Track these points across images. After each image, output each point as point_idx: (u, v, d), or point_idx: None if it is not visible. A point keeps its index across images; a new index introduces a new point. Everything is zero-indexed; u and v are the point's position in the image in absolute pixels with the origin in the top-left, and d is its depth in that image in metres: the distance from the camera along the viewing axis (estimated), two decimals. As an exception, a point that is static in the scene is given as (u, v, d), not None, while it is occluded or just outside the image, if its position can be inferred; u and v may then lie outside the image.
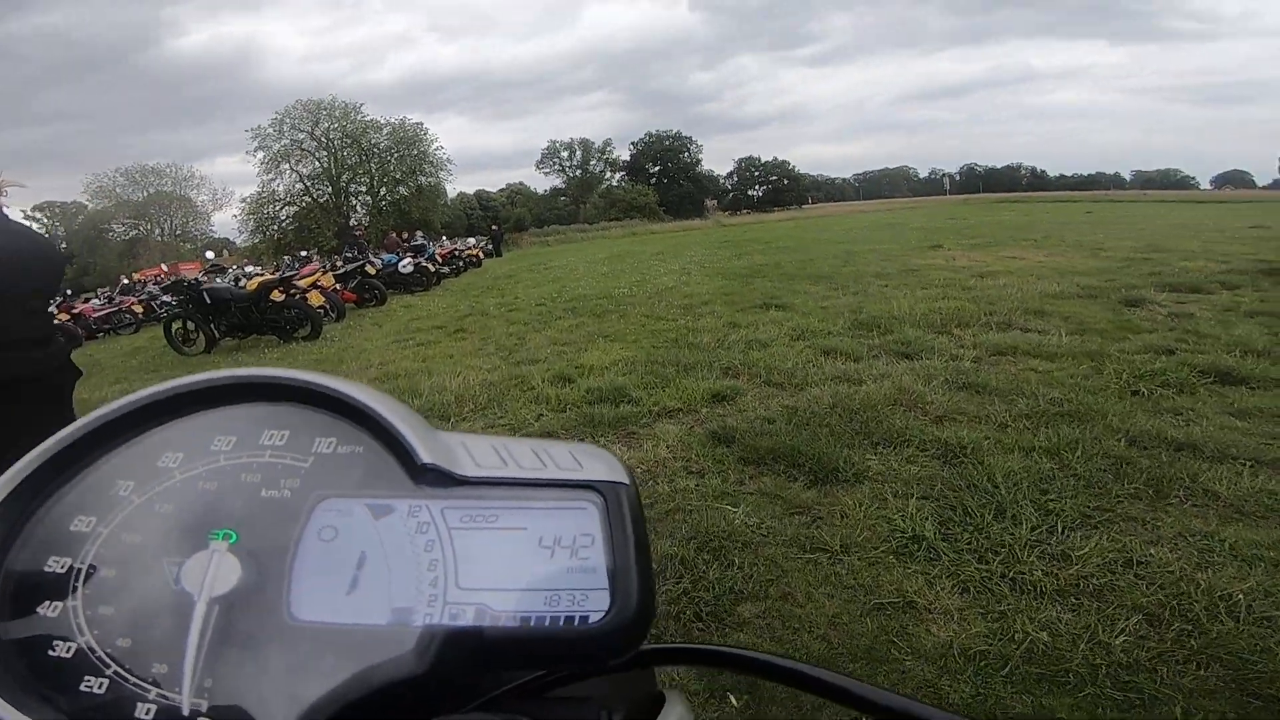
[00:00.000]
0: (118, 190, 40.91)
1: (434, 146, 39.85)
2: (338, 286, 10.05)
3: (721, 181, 73.95)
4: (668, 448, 2.91)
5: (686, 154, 66.04)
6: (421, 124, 40.10)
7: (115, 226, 41.11)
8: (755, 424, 3.05)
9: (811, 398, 3.34)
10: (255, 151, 36.83)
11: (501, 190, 65.56)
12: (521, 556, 0.25)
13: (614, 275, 11.16)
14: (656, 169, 64.55)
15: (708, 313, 6.19)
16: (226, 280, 9.14)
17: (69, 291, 17.63)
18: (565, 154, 62.56)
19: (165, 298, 12.33)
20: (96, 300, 14.69)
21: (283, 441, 0.28)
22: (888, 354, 4.13)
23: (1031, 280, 6.60)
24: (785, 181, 72.96)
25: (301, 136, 37.22)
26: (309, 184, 37.67)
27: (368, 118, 38.64)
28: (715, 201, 67.64)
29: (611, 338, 5.45)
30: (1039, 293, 5.84)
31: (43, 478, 0.27)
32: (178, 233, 42.70)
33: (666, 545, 2.11)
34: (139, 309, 13.66)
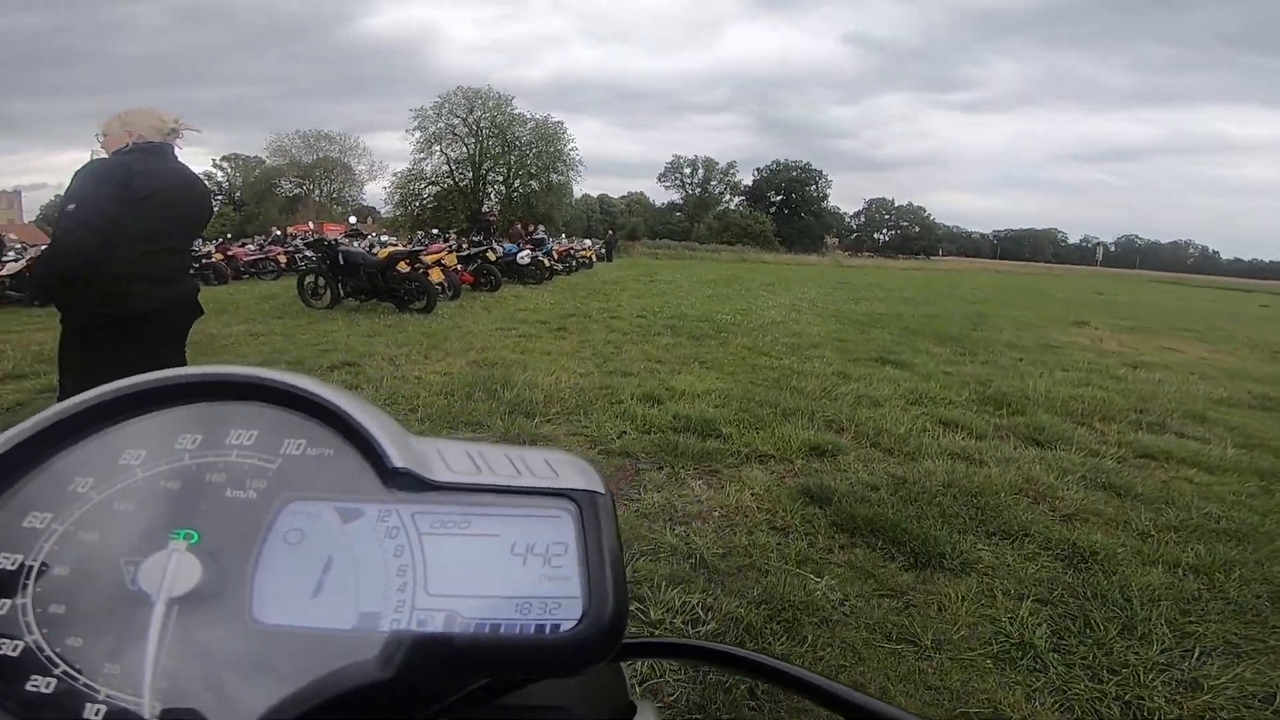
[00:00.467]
0: (292, 150, 45.47)
1: (569, 146, 41.29)
2: (458, 267, 10.51)
3: (846, 219, 71.91)
4: (753, 495, 2.69)
5: (813, 187, 64.75)
6: (562, 123, 41.58)
7: (284, 183, 45.71)
8: (856, 488, 2.78)
9: (923, 470, 3.02)
10: (414, 131, 39.61)
11: (622, 198, 67.26)
12: (493, 563, 0.24)
13: (719, 299, 10.97)
14: (779, 198, 63.73)
15: (816, 357, 5.84)
16: (362, 245, 9.80)
17: (229, 235, 19.68)
18: (688, 170, 63.08)
19: (306, 252, 13.43)
20: (251, 245, 16.23)
21: (250, 441, 0.27)
22: (1016, 437, 3.69)
23: (1193, 379, 5.80)
24: (916, 229, 69.86)
25: (456, 122, 39.59)
26: (454, 167, 40.06)
27: (516, 111, 40.55)
28: (836, 239, 65.82)
29: (708, 365, 5.25)
30: (1202, 395, 5.10)
31: None
32: (333, 196, 46.86)
33: (732, 605, 1.92)
34: (283, 259, 14.93)
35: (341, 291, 8.50)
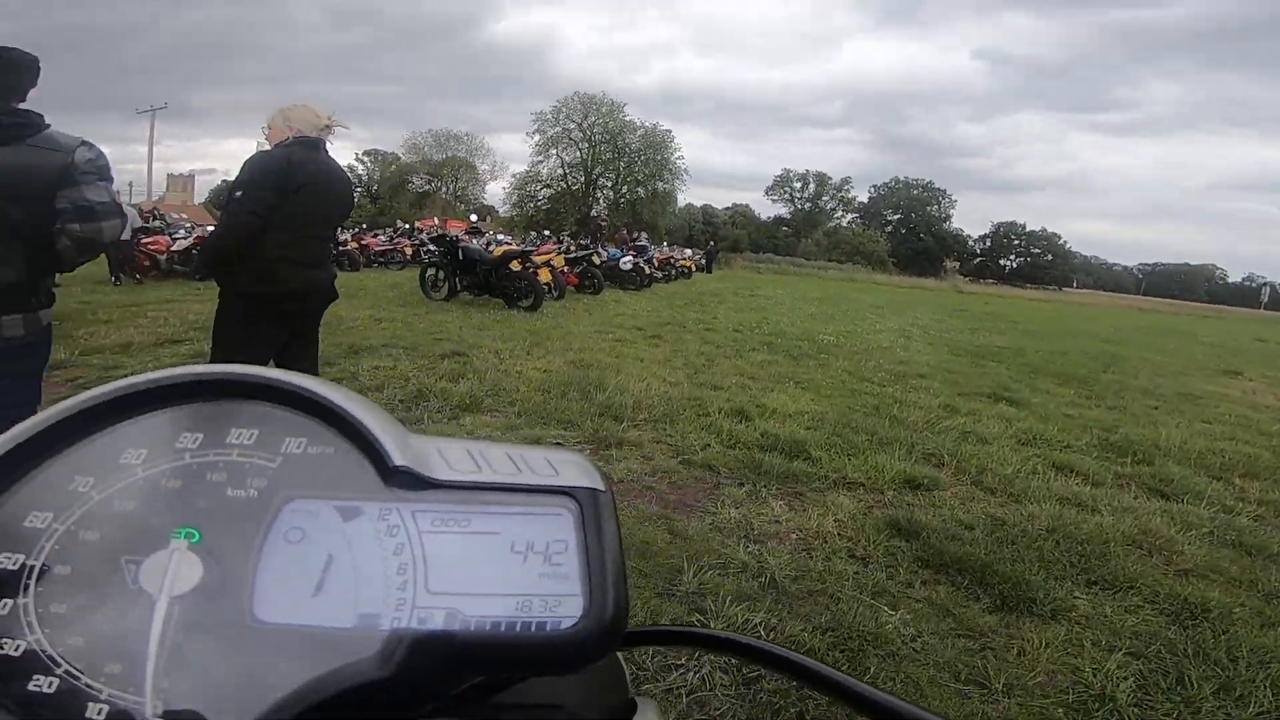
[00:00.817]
0: (425, 148, 48.57)
1: (676, 155, 41.65)
2: (565, 269, 10.92)
3: (970, 243, 67.54)
4: (836, 522, 2.63)
5: (935, 207, 61.51)
6: (670, 132, 42.01)
7: (415, 179, 49.00)
8: (948, 525, 2.66)
9: (1026, 514, 2.85)
10: (533, 134, 41.52)
11: (726, 209, 66.55)
12: (494, 561, 0.24)
13: (822, 319, 10.68)
14: (896, 217, 61.03)
15: (922, 387, 5.57)
16: (480, 243, 10.40)
17: (364, 225, 21.44)
18: (797, 185, 61.40)
19: (430, 246, 14.44)
20: (381, 237, 17.66)
21: (251, 440, 0.27)
22: (1139, 487, 3.40)
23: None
24: (1049, 256, 64.53)
25: (571, 127, 41.03)
26: (567, 171, 41.53)
27: (627, 118, 41.44)
28: (957, 263, 61.98)
29: (804, 385, 5.15)
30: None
31: None
32: (458, 194, 49.73)
33: (797, 628, 1.90)
34: (409, 251, 16.14)
35: (458, 285, 9.07)
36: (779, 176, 62.31)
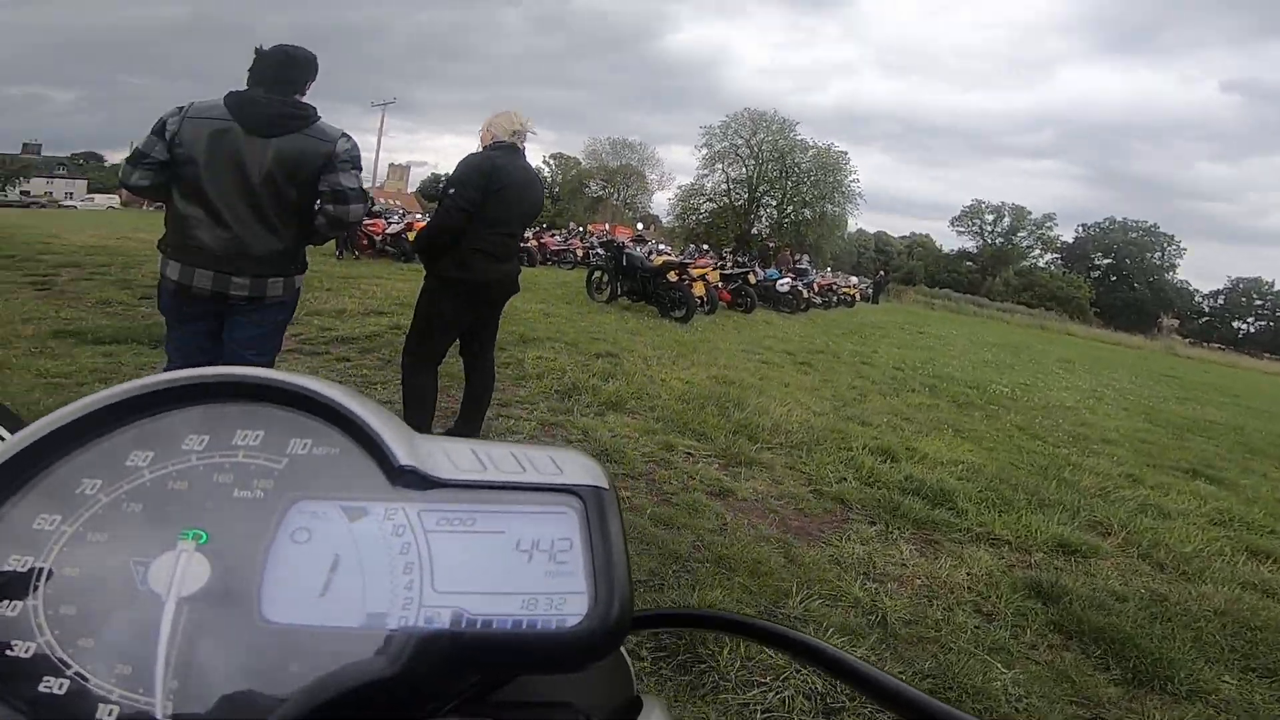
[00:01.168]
0: (602, 155, 51.28)
1: (850, 178, 39.89)
2: (719, 284, 11.04)
3: (1197, 299, 57.58)
4: (968, 575, 2.48)
5: (1157, 254, 53.23)
6: (845, 153, 40.26)
7: (591, 184, 52.10)
8: (1098, 595, 2.45)
9: (1197, 594, 2.57)
10: (700, 147, 42.03)
11: (903, 238, 62.51)
12: (499, 560, 0.25)
13: (998, 367, 9.75)
14: (1105, 261, 53.72)
15: (1104, 454, 4.94)
16: (643, 251, 10.86)
17: (544, 224, 23.16)
18: (990, 217, 55.67)
19: (599, 250, 15.30)
20: (557, 237, 19.01)
21: (257, 442, 0.28)
22: None
23: None
24: (1302, 325, 53.07)
25: (739, 142, 40.83)
26: (732, 186, 41.51)
27: (799, 137, 40.39)
28: (1177, 321, 53.14)
29: (964, 435, 4.79)
30: None
31: (5, 475, 0.27)
32: (628, 201, 52.02)
33: (897, 668, 1.86)
34: (580, 252, 17.24)
35: (619, 289, 9.55)
36: (969, 207, 57.23)
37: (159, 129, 2.04)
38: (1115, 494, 3.83)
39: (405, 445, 0.27)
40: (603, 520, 0.26)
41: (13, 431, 0.28)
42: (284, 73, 2.09)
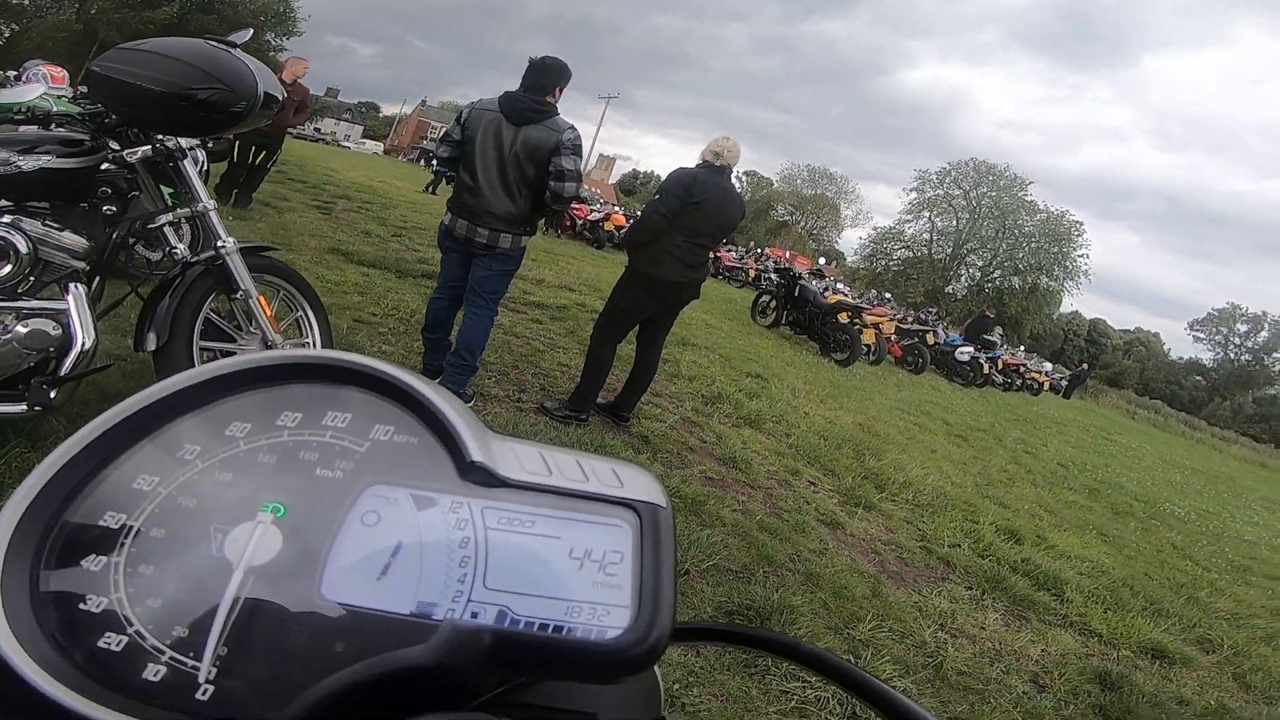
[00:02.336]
0: (797, 181, 50.68)
1: (1079, 251, 35.86)
2: (892, 337, 10.70)
3: None
4: (1042, 651, 2.52)
5: None
6: (1080, 223, 36.43)
7: (779, 208, 51.60)
8: (1162, 695, 2.45)
9: (1267, 714, 2.48)
10: (910, 190, 40.02)
11: (1125, 331, 54.31)
12: (550, 565, 0.25)
13: (1182, 490, 8.67)
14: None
15: (1262, 586, 4.51)
16: (818, 286, 10.85)
17: (726, 240, 23.59)
18: (1242, 328, 47.00)
19: (772, 275, 15.41)
20: (734, 254, 19.38)
21: (344, 424, 0.29)
22: None
23: None
24: None
25: (957, 193, 38.41)
26: (935, 236, 39.10)
27: (1029, 198, 37.23)
28: None
29: (1107, 539, 4.44)
30: None
31: (119, 434, 0.28)
32: (812, 231, 50.87)
33: (928, 704, 1.97)
34: (751, 272, 17.47)
35: (784, 318, 9.67)
36: (1220, 310, 48.81)
37: (459, 117, 2.85)
38: (1247, 620, 3.55)
39: (479, 442, 0.27)
40: (656, 538, 0.26)
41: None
42: (538, 79, 2.79)
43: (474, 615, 0.24)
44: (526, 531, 0.26)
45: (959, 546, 3.34)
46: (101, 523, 0.26)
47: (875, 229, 42.26)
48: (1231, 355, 47.40)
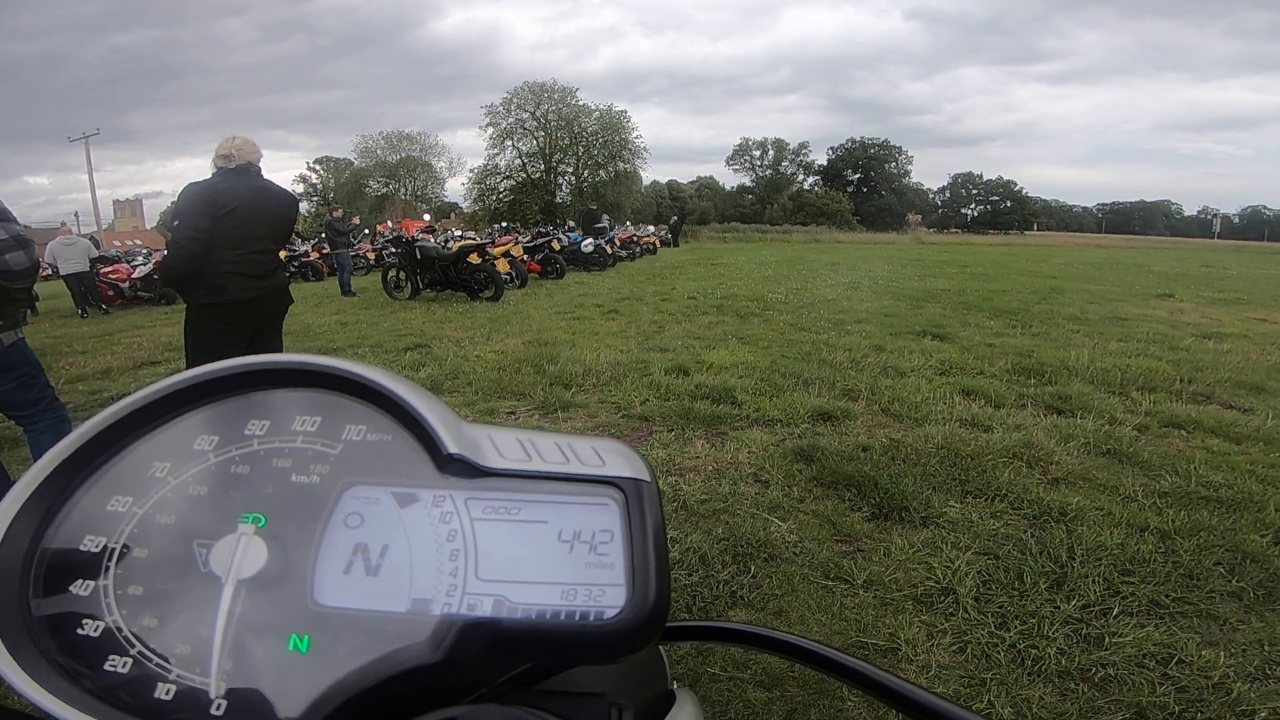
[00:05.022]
0: (378, 151, 47.45)
1: (634, 135, 41.47)
2: (524, 258, 11.14)
3: (931, 196, 68.42)
4: (749, 454, 2.99)
5: (893, 164, 62.06)
6: (625, 112, 41.73)
7: (371, 182, 48.12)
8: (848, 449, 2.98)
9: (924, 435, 3.13)
10: (486, 127, 41.12)
11: (691, 182, 66.52)
12: (541, 550, 0.25)
13: (775, 280, 11.11)
14: (856, 177, 61.50)
15: (856, 331, 6.00)
16: (436, 240, 10.59)
17: (324, 234, 21.28)
18: (757, 153, 61.50)
19: (390, 248, 14.56)
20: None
21: (314, 428, 0.28)
22: (1037, 406, 3.72)
23: (1269, 350, 5.46)
24: (1007, 203, 65.54)
25: (525, 116, 40.63)
26: (526, 160, 41.22)
27: (581, 103, 41.13)
28: (920, 217, 62.80)
29: (745, 340, 5.53)
30: (1268, 365, 4.83)
31: (84, 458, 0.28)
32: (418, 194, 48.99)
33: (696, 539, 2.15)
34: (371, 256, 16.25)
35: (420, 284, 9.27)
36: (738, 146, 62.45)
37: None
38: (863, 363, 4.66)
39: (454, 433, 0.27)
40: (642, 513, 0.26)
41: None
42: None
43: (470, 608, 0.24)
44: (513, 519, 0.25)
45: (648, 401, 3.77)
46: (82, 547, 0.26)
47: (472, 171, 42.74)
48: (760, 174, 61.73)
